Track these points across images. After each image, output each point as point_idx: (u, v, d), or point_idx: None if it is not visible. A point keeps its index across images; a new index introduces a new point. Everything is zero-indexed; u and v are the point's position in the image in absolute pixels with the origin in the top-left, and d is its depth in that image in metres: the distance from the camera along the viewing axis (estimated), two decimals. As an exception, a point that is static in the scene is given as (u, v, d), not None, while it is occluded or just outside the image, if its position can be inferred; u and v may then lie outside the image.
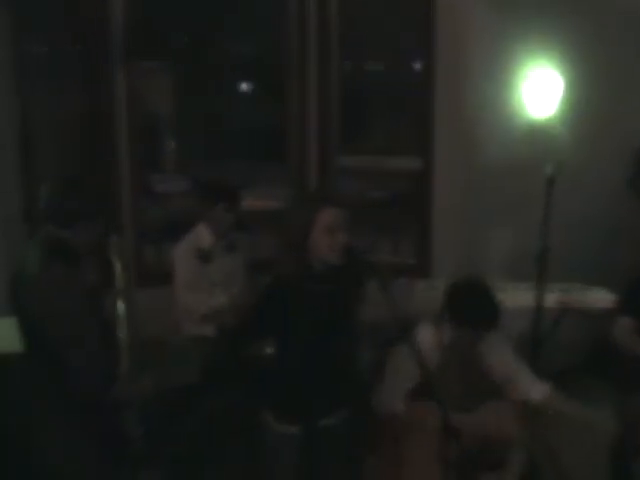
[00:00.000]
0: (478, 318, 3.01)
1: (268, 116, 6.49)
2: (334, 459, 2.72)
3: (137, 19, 4.92)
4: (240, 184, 6.84)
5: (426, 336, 3.06)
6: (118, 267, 2.89)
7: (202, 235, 4.04)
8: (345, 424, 2.74)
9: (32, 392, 2.75)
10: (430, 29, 4.68)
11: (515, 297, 4.07)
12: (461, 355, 3.09)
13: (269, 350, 3.51)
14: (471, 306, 3.04)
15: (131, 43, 4.85)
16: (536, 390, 3.16)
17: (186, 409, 3.55)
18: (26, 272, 2.63)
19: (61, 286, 2.56)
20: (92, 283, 2.87)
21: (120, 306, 2.77)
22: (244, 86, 8.48)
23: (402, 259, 5.64)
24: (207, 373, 3.66)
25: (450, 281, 3.16)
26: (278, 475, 2.73)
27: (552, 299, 4.01)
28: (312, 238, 2.56)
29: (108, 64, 4.83)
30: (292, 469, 2.65)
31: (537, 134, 4.59)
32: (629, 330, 3.38)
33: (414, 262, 5.05)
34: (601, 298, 4.01)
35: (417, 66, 5.42)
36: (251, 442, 3.00)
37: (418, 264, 4.99)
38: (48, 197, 2.68)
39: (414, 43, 5.27)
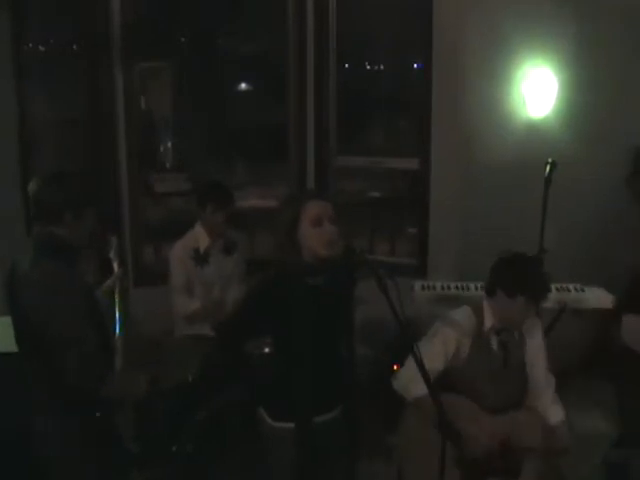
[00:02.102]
0: (535, 287, 2.94)
1: (268, 116, 6.50)
2: (331, 456, 2.73)
3: (137, 18, 4.93)
4: (240, 184, 6.90)
5: (464, 319, 3.01)
6: (115, 267, 2.90)
7: (198, 236, 4.06)
8: (342, 422, 2.75)
9: (28, 391, 2.76)
10: (428, 30, 4.68)
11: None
12: (504, 342, 3.02)
13: (267, 349, 3.53)
14: (528, 275, 2.96)
15: (131, 42, 4.86)
16: (553, 412, 3.07)
17: (186, 408, 3.55)
18: (18, 271, 2.64)
19: (53, 284, 2.55)
20: (89, 281, 2.88)
21: (117, 305, 2.79)
22: (244, 86, 8.49)
23: (399, 259, 5.66)
24: (205, 372, 3.67)
25: (501, 255, 3.07)
26: (276, 472, 2.74)
27: (549, 299, 4.01)
28: (301, 233, 2.57)
29: (108, 63, 4.84)
30: (289, 466, 2.66)
31: (535, 134, 4.61)
32: (637, 329, 3.38)
33: (411, 262, 5.07)
34: (599, 298, 4.01)
35: (415, 67, 5.44)
36: (251, 440, 3.00)
37: (415, 264, 5.00)
38: (32, 194, 2.68)
39: (413, 44, 5.28)
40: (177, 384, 3.54)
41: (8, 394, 3.30)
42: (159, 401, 3.32)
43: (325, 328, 2.60)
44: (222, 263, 4.10)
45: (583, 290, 4.15)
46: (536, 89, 4.56)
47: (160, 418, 3.42)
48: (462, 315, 3.05)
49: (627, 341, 3.46)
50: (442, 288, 4.23)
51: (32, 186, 2.67)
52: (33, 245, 2.67)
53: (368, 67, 6.61)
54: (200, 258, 4.02)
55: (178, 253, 4.04)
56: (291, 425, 2.60)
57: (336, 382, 2.69)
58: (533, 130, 4.62)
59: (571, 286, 4.19)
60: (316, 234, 2.55)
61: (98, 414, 2.67)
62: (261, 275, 2.67)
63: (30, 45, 4.93)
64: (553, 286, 4.14)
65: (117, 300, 2.85)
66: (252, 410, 2.82)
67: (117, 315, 2.80)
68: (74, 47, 5.15)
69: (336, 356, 2.70)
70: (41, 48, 5.21)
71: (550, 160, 3.60)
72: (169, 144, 7.57)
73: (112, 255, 2.97)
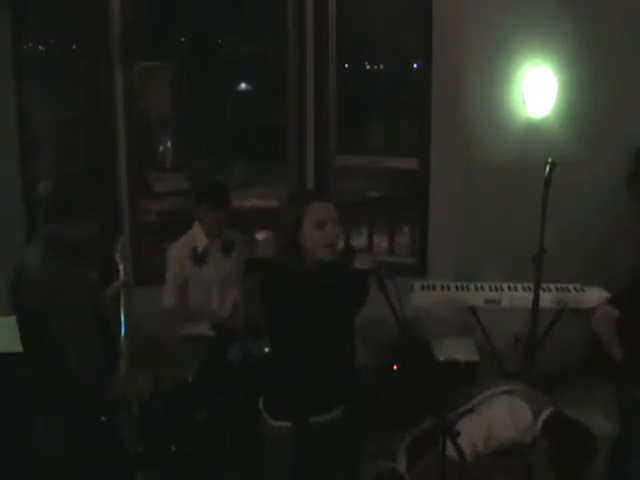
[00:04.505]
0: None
1: (268, 116, 6.49)
2: (330, 456, 2.73)
3: (137, 18, 4.94)
4: (240, 184, 6.90)
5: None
6: (121, 269, 2.91)
7: (196, 236, 4.07)
8: (342, 422, 2.75)
9: (28, 391, 2.76)
10: (428, 30, 4.68)
11: (512, 297, 4.09)
12: None
13: (267, 349, 3.54)
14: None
15: (131, 42, 4.86)
16: None
17: (186, 408, 3.55)
18: (26, 270, 2.64)
19: (61, 284, 2.56)
20: (93, 281, 2.88)
21: (123, 307, 2.79)
22: (244, 86, 8.47)
23: (399, 259, 5.66)
24: (205, 372, 3.67)
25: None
26: (275, 472, 2.74)
27: (549, 299, 4.02)
28: (304, 233, 2.58)
29: (108, 63, 4.84)
30: (289, 466, 2.66)
31: (535, 134, 4.61)
32: (609, 318, 3.39)
33: (411, 262, 5.07)
34: (598, 298, 4.01)
35: (415, 67, 5.44)
36: (251, 440, 3.01)
37: (415, 264, 5.01)
38: (47, 194, 2.68)
39: (412, 44, 5.28)
40: (177, 384, 3.54)
41: (8, 394, 3.31)
42: (159, 401, 3.32)
43: (325, 328, 2.60)
44: (220, 263, 4.10)
45: (583, 290, 4.15)
46: (536, 89, 4.56)
47: (160, 418, 3.42)
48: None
49: (594, 327, 3.48)
50: (442, 288, 4.23)
51: (47, 186, 2.69)
52: (42, 245, 2.67)
53: (368, 67, 6.60)
54: (198, 258, 4.02)
55: (176, 252, 4.05)
56: (290, 425, 2.60)
57: (336, 382, 2.69)
58: (533, 130, 4.61)
59: (571, 286, 4.20)
60: (319, 236, 2.56)
61: (103, 418, 2.68)
62: (260, 276, 2.68)
63: (30, 45, 4.94)
64: (553, 286, 4.16)
65: (122, 305, 2.85)
66: (252, 410, 2.82)
67: (122, 319, 2.81)
68: (74, 47, 5.15)
69: (336, 357, 2.71)
70: (41, 48, 5.21)
71: (550, 160, 3.59)
72: (169, 144, 7.55)
73: (118, 257, 2.98)
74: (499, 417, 2.95)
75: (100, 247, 2.88)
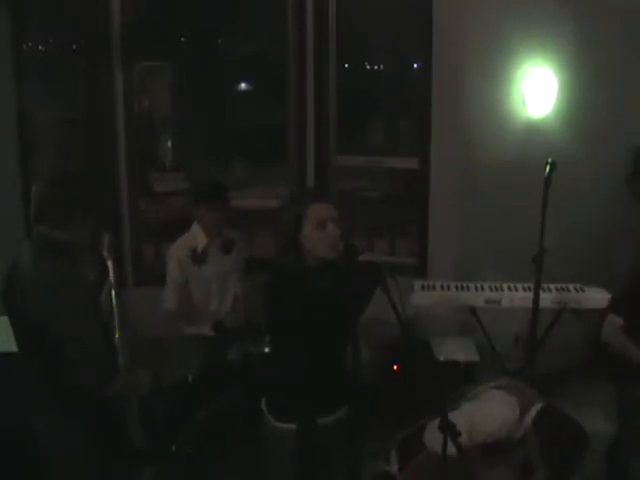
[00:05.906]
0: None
1: (268, 116, 6.49)
2: (331, 457, 2.73)
3: (137, 18, 4.94)
4: (240, 183, 6.90)
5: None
6: (111, 265, 2.90)
7: (196, 235, 4.07)
8: (345, 423, 2.75)
9: (30, 391, 2.76)
10: (428, 30, 4.69)
11: (512, 297, 4.09)
12: None
13: (267, 349, 3.53)
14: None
15: (131, 42, 4.86)
16: None
17: (186, 408, 3.55)
18: (19, 271, 2.64)
19: (57, 284, 2.56)
20: (91, 281, 2.88)
21: (115, 303, 2.79)
22: (244, 86, 8.48)
23: (399, 259, 5.66)
24: (205, 372, 3.67)
25: None
26: (276, 472, 2.74)
27: (549, 299, 4.02)
28: (304, 234, 2.58)
29: (108, 63, 4.84)
30: (290, 466, 2.66)
31: (535, 134, 4.61)
32: (618, 328, 3.39)
33: (411, 262, 5.07)
34: (598, 298, 4.01)
35: (415, 67, 5.44)
36: (251, 440, 3.01)
37: (415, 264, 5.01)
38: (39, 196, 2.67)
39: (412, 44, 5.29)
40: (177, 384, 3.54)
41: (8, 394, 3.31)
42: (159, 401, 3.31)
43: (326, 328, 2.59)
44: (220, 262, 4.11)
45: (583, 290, 4.15)
46: (536, 89, 4.56)
47: (160, 418, 3.42)
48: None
49: (605, 339, 3.48)
50: (442, 288, 4.23)
51: (38, 188, 2.67)
52: (34, 246, 2.67)
53: (368, 67, 6.61)
54: (198, 257, 4.03)
55: (176, 252, 4.06)
56: (293, 426, 2.60)
57: (337, 383, 2.69)
58: (533, 130, 4.62)
59: (571, 286, 4.19)
60: (319, 237, 2.56)
61: (109, 408, 2.68)
62: (264, 277, 2.67)
63: (30, 45, 4.94)
64: (553, 286, 4.16)
65: (114, 303, 2.85)
66: (252, 410, 2.82)
67: (115, 318, 2.81)
68: (74, 47, 5.15)
69: (337, 357, 2.70)
70: (41, 48, 5.22)
71: (550, 160, 3.59)
72: (169, 144, 7.56)
73: (106, 253, 2.97)
74: (482, 410, 2.94)
75: (94, 247, 2.88)
